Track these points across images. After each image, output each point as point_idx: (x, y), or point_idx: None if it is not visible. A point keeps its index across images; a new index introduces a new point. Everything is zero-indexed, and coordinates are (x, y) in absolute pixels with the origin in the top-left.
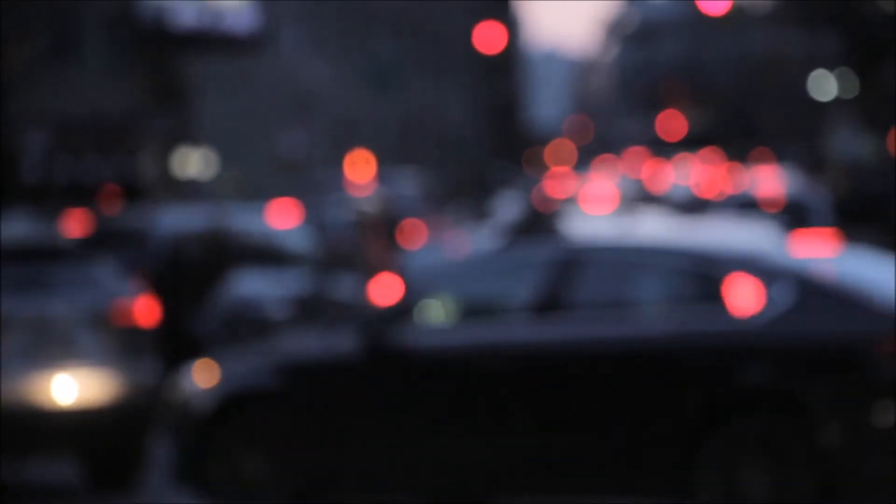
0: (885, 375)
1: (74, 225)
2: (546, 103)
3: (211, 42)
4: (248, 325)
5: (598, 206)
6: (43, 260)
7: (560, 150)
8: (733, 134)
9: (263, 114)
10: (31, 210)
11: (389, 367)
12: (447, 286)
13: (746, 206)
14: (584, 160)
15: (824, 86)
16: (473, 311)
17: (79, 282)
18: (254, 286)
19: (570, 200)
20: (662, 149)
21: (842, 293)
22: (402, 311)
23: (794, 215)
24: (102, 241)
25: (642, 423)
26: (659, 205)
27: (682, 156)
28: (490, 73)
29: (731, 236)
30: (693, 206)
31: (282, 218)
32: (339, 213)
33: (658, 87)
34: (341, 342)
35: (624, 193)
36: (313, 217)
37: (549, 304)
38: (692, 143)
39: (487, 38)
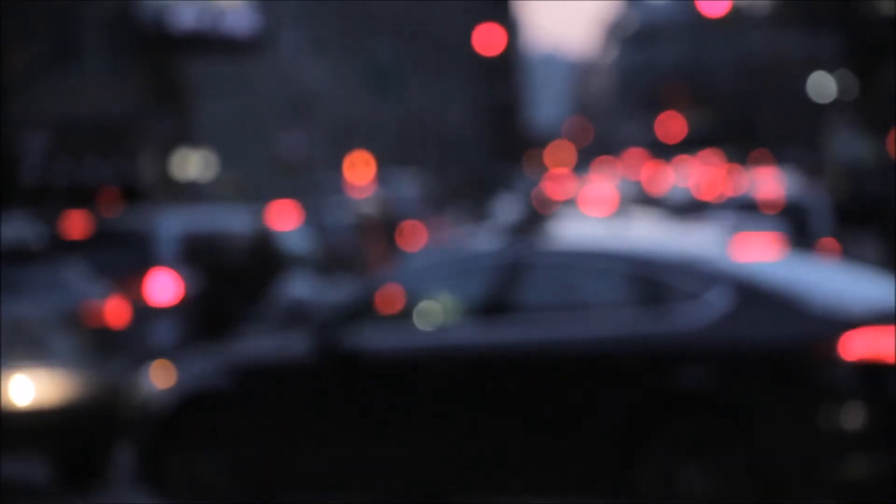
0: (821, 379)
1: (74, 226)
2: (546, 105)
3: (211, 44)
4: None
5: (597, 207)
6: (13, 262)
7: (559, 151)
8: (733, 136)
9: (263, 115)
10: (31, 211)
11: (341, 368)
12: (401, 288)
13: (746, 207)
14: (583, 162)
15: (824, 87)
16: (426, 312)
17: (49, 283)
18: (307, 288)
19: (570, 202)
20: (662, 150)
21: (779, 297)
22: (356, 312)
23: (793, 217)
24: (102, 242)
25: (584, 424)
26: (658, 207)
27: (682, 157)
28: (490, 74)
29: (677, 240)
30: (692, 207)
31: (282, 220)
32: (338, 214)
33: (658, 89)
34: (295, 344)
35: (623, 195)
36: (313, 219)
37: (497, 307)
38: (692, 144)
39: (487, 39)
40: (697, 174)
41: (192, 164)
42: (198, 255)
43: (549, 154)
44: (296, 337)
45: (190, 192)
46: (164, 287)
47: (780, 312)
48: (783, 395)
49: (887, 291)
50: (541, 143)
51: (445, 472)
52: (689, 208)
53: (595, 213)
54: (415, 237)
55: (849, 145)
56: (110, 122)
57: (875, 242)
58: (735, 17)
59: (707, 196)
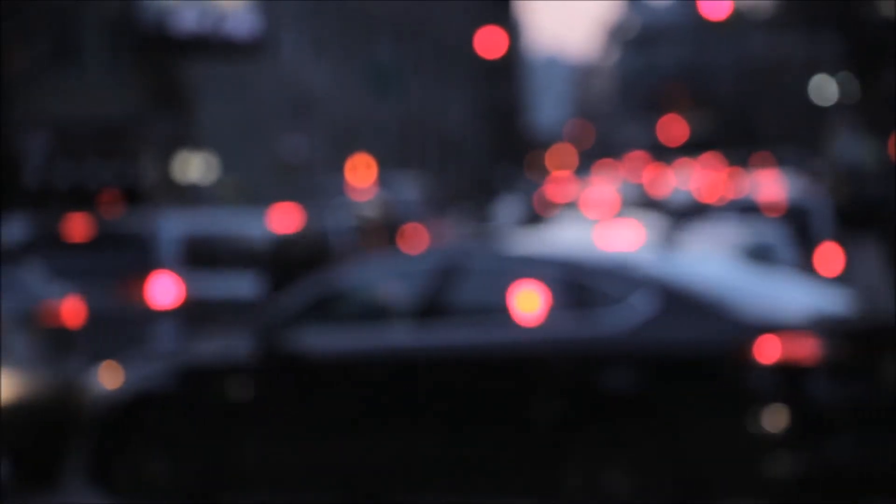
0: (739, 382)
1: (75, 228)
2: (547, 108)
3: (212, 46)
4: None
5: (598, 210)
6: None
7: (561, 154)
8: (734, 138)
9: (264, 118)
10: (32, 213)
11: (284, 369)
12: (342, 291)
13: (747, 210)
14: (585, 164)
15: (825, 90)
16: (367, 315)
17: (6, 284)
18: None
19: (571, 205)
20: (663, 153)
21: (702, 302)
22: (299, 314)
23: (794, 220)
24: (103, 244)
25: (514, 425)
26: (660, 209)
27: (683, 160)
28: (491, 77)
29: (605, 245)
30: (694, 210)
31: (283, 222)
32: (340, 217)
33: (659, 92)
34: (239, 345)
35: (625, 198)
36: (314, 221)
37: (434, 310)
38: (693, 147)
39: (488, 42)
40: (699, 177)
41: (193, 167)
42: (199, 258)
43: (551, 157)
44: (241, 338)
45: (191, 195)
46: (165, 289)
47: (702, 316)
48: (704, 397)
49: (822, 297)
50: (542, 145)
51: (384, 472)
52: (690, 211)
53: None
54: (416, 239)
55: (850, 148)
56: (111, 124)
57: (876, 245)
58: (736, 20)
59: (708, 199)
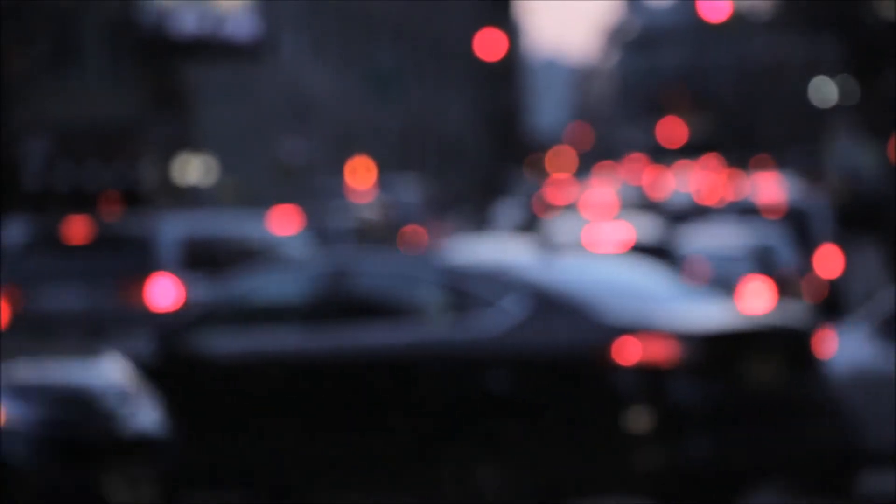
0: (603, 382)
1: (75, 231)
2: (547, 110)
3: (212, 49)
4: None
5: (598, 212)
6: None
7: (561, 156)
8: (734, 140)
9: (264, 120)
10: (32, 216)
11: (182, 372)
12: (242, 295)
13: (747, 212)
14: (584, 167)
15: (825, 92)
16: (264, 318)
17: None
18: None
19: (571, 207)
20: (663, 155)
21: (570, 305)
22: (198, 318)
23: (794, 222)
24: (103, 247)
25: (395, 425)
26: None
27: (683, 163)
28: (491, 79)
29: (485, 251)
30: (693, 212)
31: (283, 225)
32: (339, 219)
33: (658, 94)
34: (142, 348)
35: (624, 200)
36: (314, 224)
37: (324, 314)
38: (693, 149)
39: (488, 44)
40: (698, 179)
41: (193, 169)
42: (198, 260)
43: (551, 159)
44: (142, 341)
45: (191, 197)
46: (164, 292)
47: (570, 319)
48: (571, 397)
49: (700, 302)
50: (542, 147)
51: (278, 471)
52: (690, 213)
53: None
54: (416, 242)
55: (850, 150)
56: (111, 126)
57: (876, 247)
58: (736, 22)
59: (708, 201)
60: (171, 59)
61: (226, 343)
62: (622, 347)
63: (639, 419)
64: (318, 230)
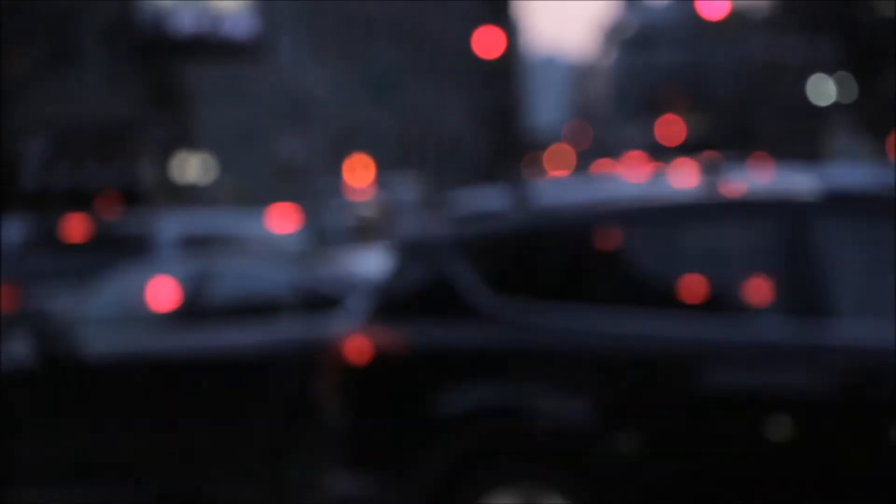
0: (335, 377)
1: (73, 230)
2: (545, 108)
3: (210, 48)
4: None
5: None
6: None
7: (559, 154)
8: (732, 139)
9: (262, 119)
10: (31, 215)
11: (59, 372)
12: (114, 295)
13: None
14: (582, 165)
15: (823, 91)
16: (135, 318)
17: None
18: None
19: None
20: (661, 154)
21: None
22: (69, 321)
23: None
24: (101, 246)
25: (249, 422)
26: None
27: (681, 160)
28: (489, 78)
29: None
30: None
31: (281, 223)
32: (338, 218)
33: (656, 92)
34: (22, 349)
35: None
36: (312, 222)
37: (192, 313)
38: (691, 147)
39: (486, 43)
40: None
41: (191, 168)
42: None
43: (549, 157)
44: (24, 342)
45: (189, 196)
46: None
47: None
48: (317, 392)
49: None
50: (540, 146)
51: (148, 468)
52: None
53: None
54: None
55: (848, 148)
56: (110, 125)
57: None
58: (734, 20)
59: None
60: (169, 58)
61: (99, 344)
62: (354, 343)
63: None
64: (317, 228)
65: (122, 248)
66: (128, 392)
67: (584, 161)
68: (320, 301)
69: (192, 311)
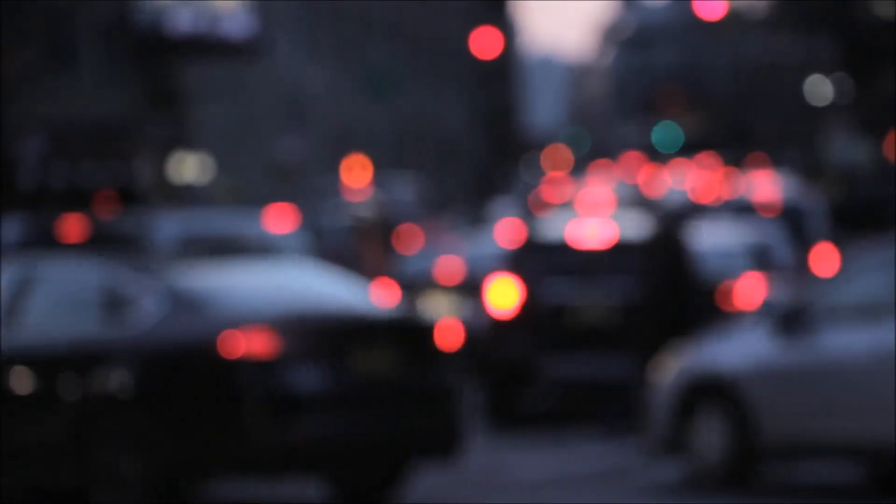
0: (213, 373)
1: (71, 229)
2: (542, 108)
3: (207, 47)
4: None
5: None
6: None
7: (557, 154)
8: (729, 139)
9: (260, 119)
10: (28, 214)
11: None
12: None
13: (743, 210)
14: (580, 165)
15: (821, 91)
16: None
17: None
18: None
19: (567, 205)
20: (659, 154)
21: (200, 303)
22: None
23: (790, 220)
24: (99, 245)
25: (53, 416)
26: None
27: (679, 161)
28: (486, 78)
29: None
30: (689, 211)
31: (278, 223)
32: (335, 218)
33: (654, 92)
34: None
35: (620, 198)
36: (310, 222)
37: (13, 314)
38: (689, 148)
39: (484, 43)
40: (694, 177)
41: (188, 168)
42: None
43: (546, 157)
44: None
45: (186, 196)
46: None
47: (198, 317)
48: (192, 389)
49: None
50: (538, 146)
51: None
52: (686, 211)
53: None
54: (411, 240)
55: (845, 148)
56: (107, 125)
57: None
58: (732, 20)
59: (704, 199)
60: (166, 57)
61: None
62: (227, 341)
63: (248, 406)
64: (314, 228)
65: (119, 248)
66: None
67: (581, 161)
68: (120, 300)
69: (14, 311)
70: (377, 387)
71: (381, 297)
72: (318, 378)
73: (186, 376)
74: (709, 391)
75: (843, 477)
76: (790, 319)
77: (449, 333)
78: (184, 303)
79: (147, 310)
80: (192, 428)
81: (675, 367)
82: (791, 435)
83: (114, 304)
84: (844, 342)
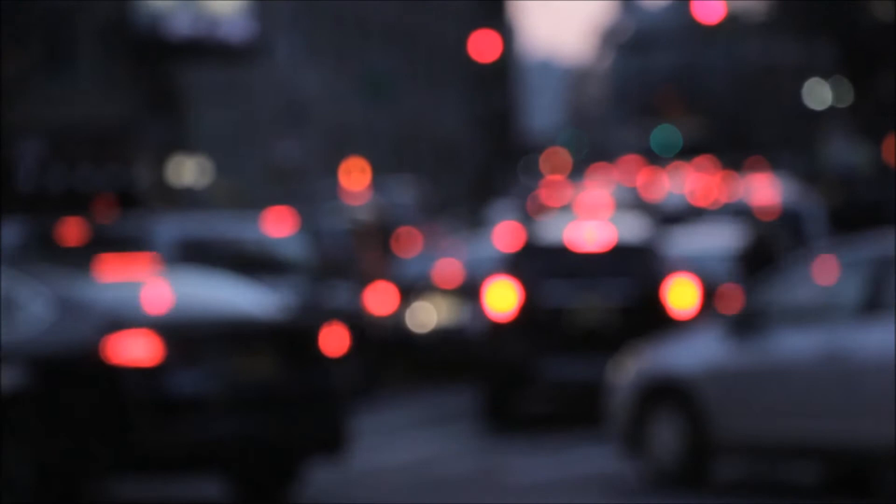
0: (95, 377)
1: (69, 233)
2: (541, 111)
3: (206, 51)
4: None
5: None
6: None
7: (555, 158)
8: (728, 142)
9: (258, 122)
10: (27, 218)
11: None
12: None
13: (741, 214)
14: (578, 168)
15: (819, 94)
16: None
17: None
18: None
19: (566, 208)
20: (657, 157)
21: (87, 309)
22: None
23: (788, 223)
24: (97, 249)
25: None
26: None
27: (677, 164)
28: (485, 81)
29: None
30: (688, 214)
31: (277, 226)
32: (334, 221)
33: (652, 96)
34: None
35: (619, 201)
36: (308, 225)
37: None
38: (687, 151)
39: (482, 46)
40: (693, 181)
41: (187, 171)
42: (193, 262)
43: (545, 160)
44: None
45: (185, 199)
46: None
47: (84, 322)
48: (76, 392)
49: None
50: (536, 149)
51: None
52: (684, 214)
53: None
54: (410, 244)
55: (844, 152)
56: (105, 128)
57: None
58: (730, 24)
59: (702, 202)
60: (165, 60)
61: None
62: (110, 345)
63: (131, 408)
64: (313, 232)
65: (117, 251)
66: None
67: (580, 164)
68: (14, 305)
69: None
70: (260, 390)
71: (271, 303)
72: (200, 381)
73: (73, 380)
74: (665, 392)
75: (798, 476)
76: (742, 322)
77: (334, 338)
78: (71, 308)
79: (35, 314)
80: (80, 430)
81: (633, 368)
82: (744, 435)
83: (2, 308)
84: (794, 344)
